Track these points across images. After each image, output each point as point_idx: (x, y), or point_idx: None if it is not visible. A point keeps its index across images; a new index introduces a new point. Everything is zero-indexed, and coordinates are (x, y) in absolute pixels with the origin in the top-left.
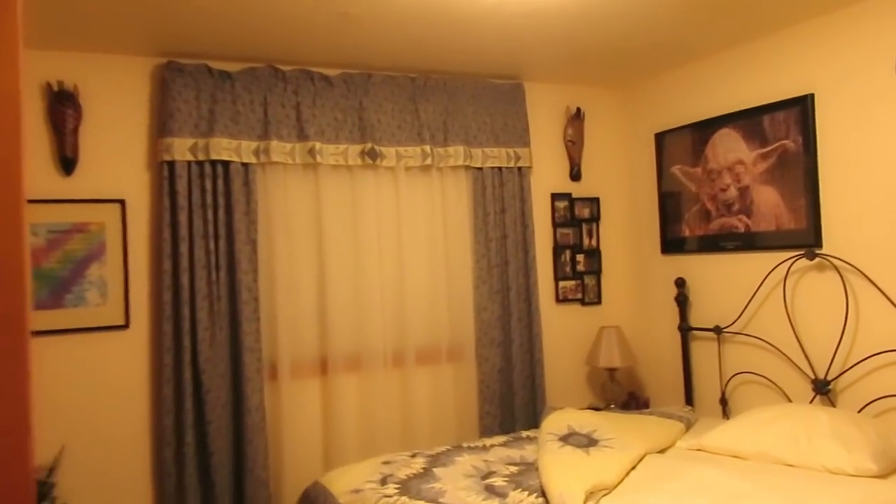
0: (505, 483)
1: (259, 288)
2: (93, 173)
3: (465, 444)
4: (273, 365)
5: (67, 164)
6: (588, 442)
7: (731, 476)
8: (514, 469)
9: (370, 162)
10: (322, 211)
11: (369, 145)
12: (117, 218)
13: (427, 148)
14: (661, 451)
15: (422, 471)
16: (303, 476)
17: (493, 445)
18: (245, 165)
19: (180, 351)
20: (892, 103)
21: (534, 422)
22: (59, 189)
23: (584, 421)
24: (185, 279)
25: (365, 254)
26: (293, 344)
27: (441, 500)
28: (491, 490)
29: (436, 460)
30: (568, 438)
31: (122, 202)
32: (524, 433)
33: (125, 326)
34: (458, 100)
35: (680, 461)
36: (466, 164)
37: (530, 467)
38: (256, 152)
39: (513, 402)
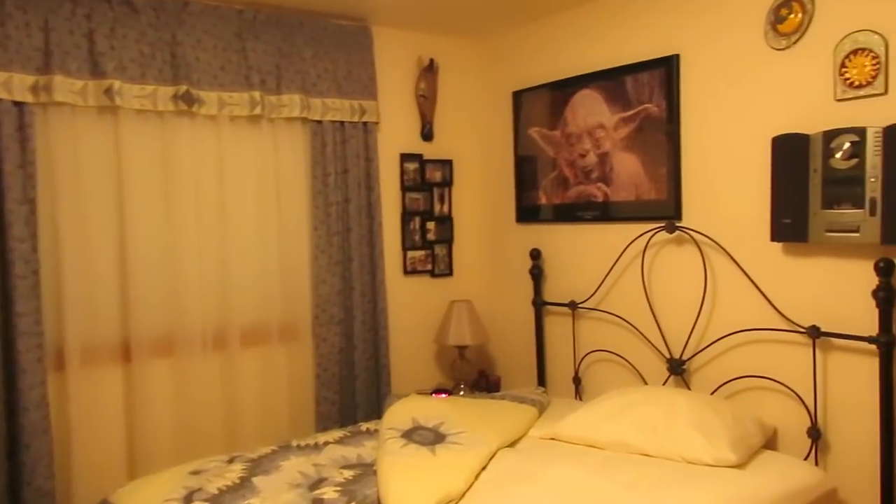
0: (336, 495)
1: (39, 259)
2: None
3: (294, 443)
4: (59, 352)
5: None
6: (434, 438)
7: (588, 474)
8: (348, 474)
9: (185, 108)
10: (123, 165)
11: (184, 88)
12: None
13: (256, 94)
14: (515, 442)
15: (238, 481)
16: (101, 487)
17: (327, 443)
18: (19, 105)
19: None
20: (759, 68)
21: (376, 407)
22: None
23: (431, 412)
24: None
25: (179, 217)
26: (86, 326)
27: None
28: None
29: (257, 466)
30: (412, 434)
31: None
32: (364, 426)
33: None
34: (295, 41)
35: (534, 458)
36: (304, 115)
37: (368, 470)
38: (34, 89)
39: (354, 387)
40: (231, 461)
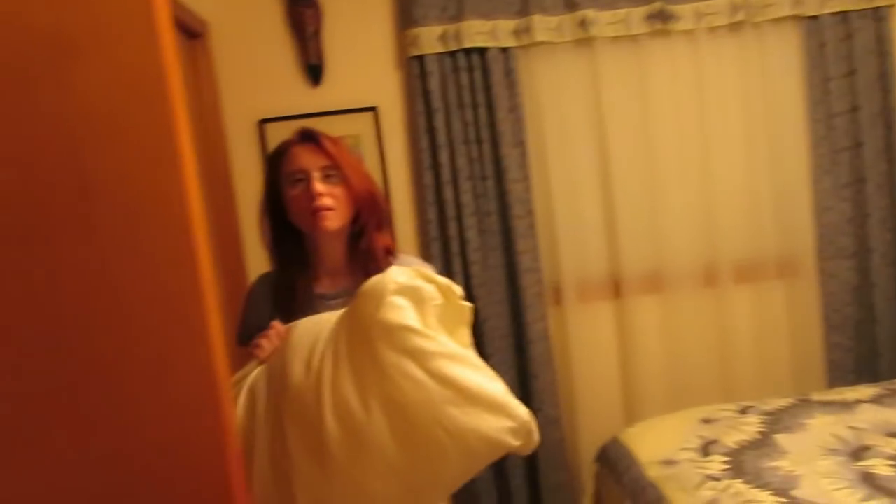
0: (892, 471)
1: (532, 199)
2: (341, 80)
3: (815, 398)
4: (556, 287)
5: (314, 72)
6: None
7: None
8: None
9: (660, 27)
10: (601, 97)
11: (658, 5)
12: (371, 129)
13: None
14: None
15: (758, 437)
16: (599, 416)
17: (858, 401)
18: (504, 51)
19: (452, 276)
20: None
21: None
22: (308, 102)
23: None
24: (448, 193)
25: (659, 147)
26: (577, 262)
27: (794, 492)
28: (870, 482)
29: (776, 421)
30: None
31: (374, 110)
32: None
33: None
34: None
35: None
36: (794, 13)
37: None
38: (516, 32)
39: (873, 333)
40: (743, 412)
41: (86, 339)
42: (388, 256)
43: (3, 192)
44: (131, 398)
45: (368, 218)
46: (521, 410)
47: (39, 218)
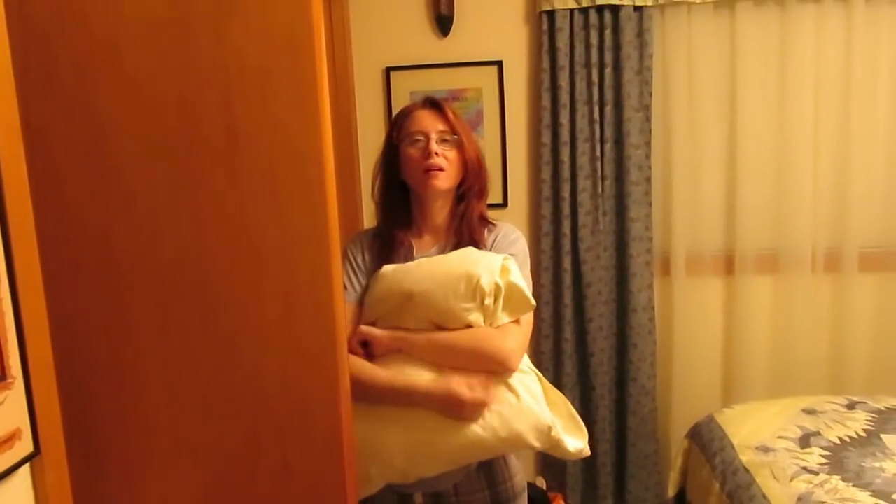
0: None
1: (652, 166)
2: (469, 32)
3: None
4: (665, 258)
5: (443, 23)
6: None
7: None
8: None
9: None
10: (736, 63)
11: None
12: (494, 82)
13: None
14: None
15: (863, 434)
16: (694, 392)
17: None
18: (639, 10)
19: (559, 237)
20: None
21: None
22: (435, 52)
23: None
24: (565, 154)
25: (794, 121)
26: (691, 234)
27: None
28: None
29: (886, 420)
30: None
31: (499, 64)
32: None
33: (503, 205)
34: None
35: None
36: None
37: None
38: None
39: None
40: (851, 407)
41: (224, 275)
42: (484, 223)
43: (161, 136)
44: (260, 334)
45: (472, 184)
46: (547, 416)
47: (190, 162)
